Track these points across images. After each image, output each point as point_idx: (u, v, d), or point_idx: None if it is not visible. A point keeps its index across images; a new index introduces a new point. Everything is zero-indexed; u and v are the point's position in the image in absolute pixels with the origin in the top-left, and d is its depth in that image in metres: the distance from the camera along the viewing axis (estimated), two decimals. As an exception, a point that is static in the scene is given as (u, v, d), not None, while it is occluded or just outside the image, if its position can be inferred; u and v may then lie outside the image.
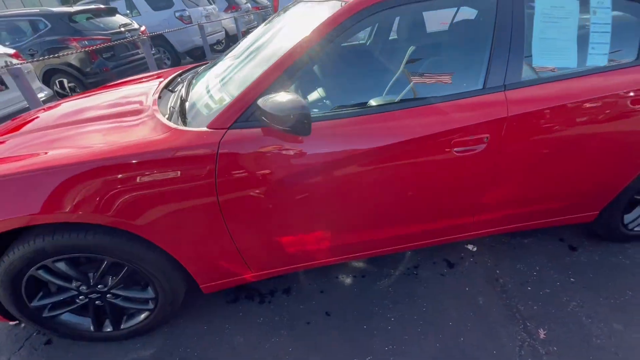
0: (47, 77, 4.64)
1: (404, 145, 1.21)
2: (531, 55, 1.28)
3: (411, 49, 1.53)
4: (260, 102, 1.06)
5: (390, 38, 2.08)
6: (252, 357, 1.42)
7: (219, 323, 1.58)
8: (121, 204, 1.12)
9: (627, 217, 1.76)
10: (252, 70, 1.26)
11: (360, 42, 2.23)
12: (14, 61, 3.21)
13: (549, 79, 1.28)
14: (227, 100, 1.21)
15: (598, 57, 1.32)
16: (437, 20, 1.99)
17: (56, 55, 3.87)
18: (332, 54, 1.33)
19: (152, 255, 1.27)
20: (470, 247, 1.92)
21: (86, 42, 4.43)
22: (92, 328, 1.44)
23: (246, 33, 6.31)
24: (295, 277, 1.80)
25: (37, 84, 3.60)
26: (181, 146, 1.12)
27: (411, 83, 1.37)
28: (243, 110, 1.14)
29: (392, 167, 1.23)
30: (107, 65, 4.66)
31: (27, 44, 4.49)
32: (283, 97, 1.02)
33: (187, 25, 6.32)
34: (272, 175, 1.15)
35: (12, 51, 3.46)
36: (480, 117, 1.22)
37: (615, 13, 1.41)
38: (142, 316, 1.46)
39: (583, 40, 1.31)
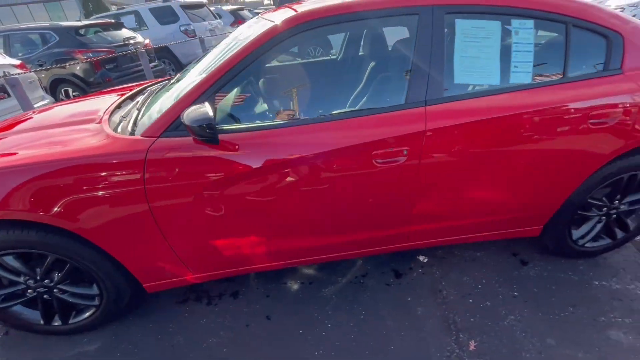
0: (54, 86, 4.93)
1: (327, 156, 1.28)
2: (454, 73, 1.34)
3: (344, 65, 1.61)
4: (183, 113, 1.16)
5: (322, 57, 2.18)
6: (188, 356, 1.48)
7: (164, 322, 1.65)
8: (61, 204, 1.22)
9: (576, 233, 1.76)
10: (189, 84, 1.36)
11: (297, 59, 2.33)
12: (17, 71, 3.45)
13: (472, 95, 1.33)
14: (164, 111, 1.31)
15: (522, 75, 1.37)
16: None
17: (60, 65, 4.14)
18: (259, 71, 1.42)
19: (93, 253, 1.36)
20: (421, 258, 1.94)
21: (90, 54, 4.71)
22: (41, 321, 1.53)
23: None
24: (245, 281, 1.86)
25: (39, 92, 3.84)
26: (112, 152, 1.22)
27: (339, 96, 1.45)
28: (172, 121, 1.24)
29: (314, 177, 1.30)
30: (110, 75, 4.92)
31: (36, 55, 4.81)
32: (196, 109, 1.11)
33: (191, 39, 6.62)
34: (194, 182, 1.24)
35: (17, 62, 3.72)
36: (400, 130, 1.28)
37: (548, 33, 1.47)
38: (89, 312, 1.55)
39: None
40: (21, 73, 3.45)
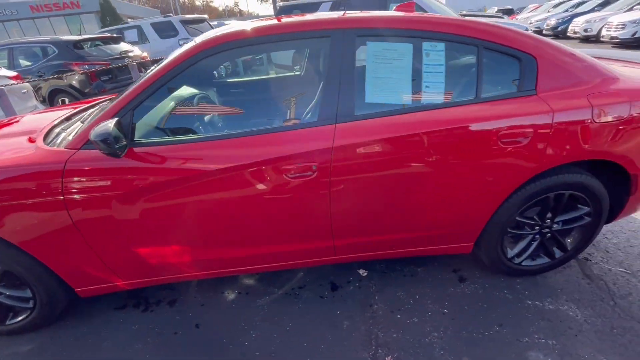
0: (52, 97, 5.17)
1: (237, 169, 1.33)
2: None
3: (265, 84, 1.69)
4: (92, 129, 1.23)
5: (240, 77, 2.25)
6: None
7: (98, 326, 1.70)
8: (-11, 211, 1.31)
9: (510, 252, 1.75)
10: (115, 99, 1.45)
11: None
12: (10, 82, 3.66)
13: (382, 114, 1.37)
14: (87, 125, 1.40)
15: (433, 95, 1.41)
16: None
17: (58, 76, 4.35)
18: (174, 89, 1.50)
19: (23, 258, 1.44)
20: (361, 271, 1.95)
21: (87, 66, 4.95)
22: (-20, 321, 1.60)
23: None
24: (185, 289, 1.90)
25: (32, 102, 4.05)
26: (34, 162, 1.30)
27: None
28: (91, 134, 1.32)
29: (226, 190, 1.35)
30: (105, 87, 5.15)
31: (37, 66, 5.08)
32: (102, 125, 1.19)
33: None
34: (108, 193, 1.31)
35: (13, 73, 3.94)
36: (308, 147, 1.33)
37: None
38: (24, 314, 1.61)
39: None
40: (14, 83, 3.65)
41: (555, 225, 1.69)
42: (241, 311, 1.74)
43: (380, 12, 1.48)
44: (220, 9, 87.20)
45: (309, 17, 1.45)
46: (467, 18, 1.61)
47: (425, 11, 5.38)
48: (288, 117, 1.54)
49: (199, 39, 1.42)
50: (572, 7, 14.26)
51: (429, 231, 1.59)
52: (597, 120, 1.39)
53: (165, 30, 7.21)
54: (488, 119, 1.37)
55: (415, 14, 1.52)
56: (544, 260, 1.80)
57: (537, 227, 1.68)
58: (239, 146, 1.35)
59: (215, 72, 2.07)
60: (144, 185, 1.33)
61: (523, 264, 1.78)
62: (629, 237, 2.11)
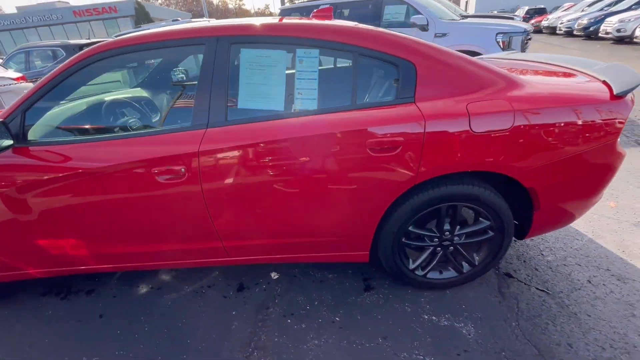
0: (61, 96, 5.60)
1: (116, 168, 1.41)
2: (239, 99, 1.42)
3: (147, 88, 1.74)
4: None
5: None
6: (13, 341, 1.65)
7: (17, 310, 1.85)
8: None
9: (412, 263, 1.70)
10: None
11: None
12: (13, 82, 4.02)
13: (253, 120, 1.39)
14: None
15: (307, 101, 1.40)
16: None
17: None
18: (68, 91, 1.59)
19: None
20: (273, 274, 1.97)
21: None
22: None
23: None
24: (107, 280, 2.01)
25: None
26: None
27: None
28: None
29: (102, 189, 1.43)
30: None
31: (48, 68, 5.52)
32: None
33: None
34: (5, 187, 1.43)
35: (17, 75, 4.33)
36: (177, 150, 1.38)
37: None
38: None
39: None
40: (15, 84, 4.00)
41: (456, 239, 1.62)
42: (146, 306, 1.82)
43: (257, 19, 1.50)
44: (252, 11, 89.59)
45: (187, 25, 1.49)
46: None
47: (420, 13, 5.25)
48: (173, 121, 1.59)
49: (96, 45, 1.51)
50: (608, 5, 13.27)
51: (314, 237, 1.58)
52: (475, 131, 1.33)
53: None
54: (358, 126, 1.34)
55: (291, 20, 1.52)
56: (451, 274, 1.73)
57: (437, 240, 1.62)
58: (120, 147, 1.42)
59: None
60: (35, 181, 1.44)
61: (429, 276, 1.73)
62: (567, 256, 1.97)
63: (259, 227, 1.54)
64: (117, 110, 1.88)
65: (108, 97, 1.90)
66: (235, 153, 1.37)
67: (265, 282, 1.92)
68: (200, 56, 1.42)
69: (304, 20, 1.51)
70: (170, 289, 1.92)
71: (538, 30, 17.37)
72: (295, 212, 1.49)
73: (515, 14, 19.68)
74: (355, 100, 1.39)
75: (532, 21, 18.13)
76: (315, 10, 1.89)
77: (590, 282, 1.78)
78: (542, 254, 2.00)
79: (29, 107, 1.45)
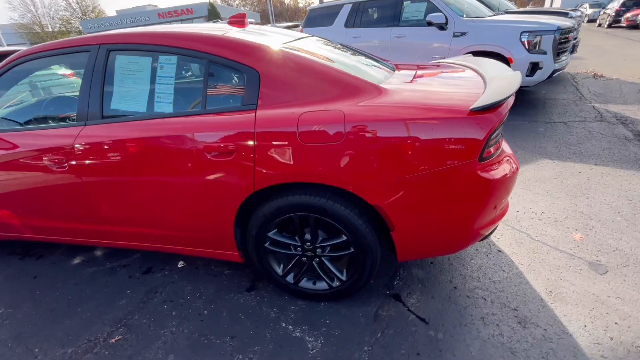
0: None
1: (23, 154, 1.68)
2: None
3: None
4: None
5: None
6: (-32, 287, 2.07)
7: (-14, 263, 2.30)
8: None
9: (279, 269, 1.69)
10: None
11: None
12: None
13: (118, 120, 1.54)
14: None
15: (164, 104, 1.50)
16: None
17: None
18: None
19: None
20: (180, 263, 2.12)
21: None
22: None
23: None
24: (58, 249, 2.37)
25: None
26: None
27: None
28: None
29: (17, 170, 1.71)
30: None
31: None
32: None
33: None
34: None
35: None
36: (57, 143, 1.59)
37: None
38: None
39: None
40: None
41: (319, 250, 1.57)
42: (70, 274, 2.11)
43: (133, 29, 1.62)
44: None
45: (83, 36, 1.69)
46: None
47: (439, 10, 4.90)
48: (71, 117, 1.81)
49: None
50: None
51: (180, 232, 1.68)
52: (303, 141, 1.29)
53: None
54: (199, 130, 1.40)
55: (159, 28, 1.62)
56: (323, 286, 1.68)
57: (300, 249, 1.59)
58: (29, 137, 1.69)
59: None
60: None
61: (301, 285, 1.70)
62: (477, 287, 1.75)
63: (130, 215, 1.70)
64: (41, 106, 2.21)
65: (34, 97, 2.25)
66: (103, 148, 1.54)
67: (169, 269, 2.08)
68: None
69: (168, 28, 1.60)
70: (95, 264, 2.19)
71: (634, 26, 14.71)
72: (154, 205, 1.61)
73: (580, 7, 17.16)
74: (206, 105, 1.45)
75: (628, 14, 15.38)
76: (230, 17, 1.96)
77: (483, 319, 1.57)
78: (451, 281, 1.81)
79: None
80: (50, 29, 31.58)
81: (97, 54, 1.57)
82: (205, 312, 1.74)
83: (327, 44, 2.04)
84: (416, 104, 1.28)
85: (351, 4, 6.20)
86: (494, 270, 1.86)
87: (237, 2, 68.97)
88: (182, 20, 28.78)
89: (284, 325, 1.63)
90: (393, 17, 5.53)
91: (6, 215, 1.96)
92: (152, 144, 1.46)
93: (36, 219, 1.90)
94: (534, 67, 4.39)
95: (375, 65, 1.85)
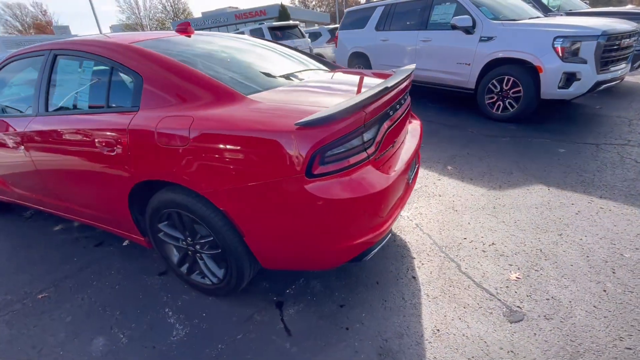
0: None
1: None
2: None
3: None
4: None
5: None
6: (-20, 236, 2.63)
7: None
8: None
9: (174, 259, 1.82)
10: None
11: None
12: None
13: (55, 113, 1.82)
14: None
15: (80, 102, 1.74)
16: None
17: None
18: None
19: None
20: (125, 242, 2.39)
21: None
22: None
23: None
24: (42, 215, 2.85)
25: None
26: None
27: None
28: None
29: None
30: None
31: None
32: None
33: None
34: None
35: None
36: (17, 129, 1.95)
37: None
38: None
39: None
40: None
41: (198, 247, 1.66)
42: (45, 238, 2.54)
43: (79, 37, 1.88)
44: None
45: (44, 42, 2.01)
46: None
47: (468, 13, 4.50)
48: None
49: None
50: None
51: (91, 210, 1.93)
52: (159, 143, 1.39)
53: (257, 36, 8.66)
54: (91, 125, 1.61)
55: (88, 37, 1.83)
56: (208, 281, 1.76)
57: (184, 242, 1.70)
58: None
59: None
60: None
61: (192, 277, 1.81)
62: (371, 312, 1.66)
63: (57, 189, 2.01)
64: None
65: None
66: (42, 136, 1.85)
67: (115, 246, 2.36)
68: None
69: (98, 37, 1.81)
70: (68, 232, 2.59)
71: None
72: (71, 184, 1.88)
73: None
74: (109, 105, 1.64)
75: None
76: (178, 25, 2.15)
77: (345, 342, 1.50)
78: (342, 300, 1.74)
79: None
80: (149, 29, 36.65)
81: (47, 58, 1.89)
82: (117, 287, 1.96)
83: (258, 48, 2.13)
84: (256, 116, 1.29)
85: (383, 7, 6.04)
86: (393, 297, 1.73)
87: (313, 2, 71.07)
88: (256, 21, 30.78)
89: (166, 310, 1.76)
90: (421, 20, 5.25)
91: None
92: (67, 135, 1.72)
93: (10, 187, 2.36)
94: (570, 78, 3.79)
95: (284, 74, 1.87)
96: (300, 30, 9.09)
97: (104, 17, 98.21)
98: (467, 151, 3.52)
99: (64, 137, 1.75)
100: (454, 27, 4.57)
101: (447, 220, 2.34)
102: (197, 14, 38.12)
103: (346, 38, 6.91)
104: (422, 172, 3.13)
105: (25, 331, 1.70)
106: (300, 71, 2.01)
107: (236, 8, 37.13)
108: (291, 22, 9.09)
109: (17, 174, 2.21)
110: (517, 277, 1.79)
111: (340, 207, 1.27)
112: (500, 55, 4.17)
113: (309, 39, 9.54)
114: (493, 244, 2.07)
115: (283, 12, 29.15)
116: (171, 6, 37.14)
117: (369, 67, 6.45)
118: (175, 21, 35.59)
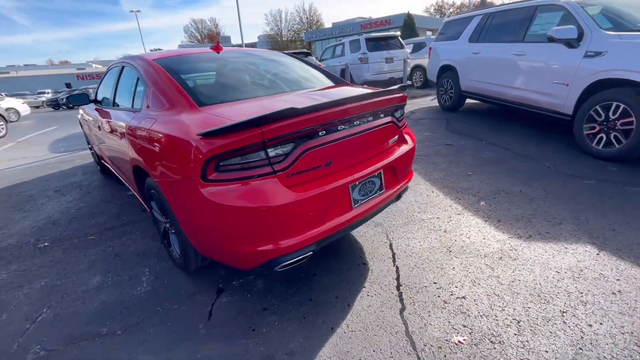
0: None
1: (101, 121, 2.96)
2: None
3: None
4: None
5: None
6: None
7: (107, 180, 3.97)
8: None
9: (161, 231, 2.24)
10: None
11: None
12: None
13: (112, 108, 2.50)
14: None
15: (122, 102, 2.32)
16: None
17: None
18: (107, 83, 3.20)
19: None
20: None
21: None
22: None
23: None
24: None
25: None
26: None
27: None
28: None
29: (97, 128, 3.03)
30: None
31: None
32: None
33: (361, 64, 8.21)
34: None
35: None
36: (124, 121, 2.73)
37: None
38: None
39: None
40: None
41: (167, 225, 2.02)
42: (120, 197, 3.40)
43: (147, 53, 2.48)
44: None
45: (124, 56, 2.70)
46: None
47: (575, 20, 3.67)
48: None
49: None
50: None
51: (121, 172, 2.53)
52: (132, 137, 1.80)
53: (355, 46, 8.85)
54: (119, 120, 2.16)
55: (135, 54, 2.38)
56: (175, 255, 2.10)
57: (163, 219, 2.08)
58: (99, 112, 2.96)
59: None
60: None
61: (170, 250, 2.19)
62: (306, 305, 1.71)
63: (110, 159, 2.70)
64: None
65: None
66: (107, 122, 2.56)
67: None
68: None
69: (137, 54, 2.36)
70: (134, 197, 3.41)
71: None
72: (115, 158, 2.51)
73: None
74: (135, 105, 2.17)
75: None
76: (212, 45, 2.59)
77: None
78: (264, 307, 1.82)
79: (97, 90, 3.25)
80: (286, 39, 41.88)
81: (120, 68, 2.59)
82: (132, 245, 2.52)
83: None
84: (187, 122, 1.53)
85: (481, 16, 5.43)
86: (315, 317, 1.71)
87: (450, 10, 67.19)
88: (380, 31, 31.27)
89: (146, 270, 2.19)
90: (519, 31, 4.54)
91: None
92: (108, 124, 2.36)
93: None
94: None
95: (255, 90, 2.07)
96: (399, 41, 8.92)
97: (255, 29, 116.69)
98: (520, 189, 2.94)
99: (112, 125, 2.40)
100: (550, 40, 3.79)
101: (431, 260, 2.08)
102: (328, 24, 41.35)
103: (439, 50, 6.49)
104: (444, 202, 2.80)
105: (68, 258, 2.41)
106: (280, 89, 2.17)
107: (364, 18, 38.43)
108: (391, 33, 9.04)
109: (102, 147, 3.08)
110: (459, 342, 1.51)
111: (230, 212, 1.39)
112: (605, 76, 3.27)
113: (408, 50, 9.26)
114: (463, 298, 1.76)
115: (408, 22, 28.66)
116: (307, 18, 41.54)
117: (457, 82, 5.89)
118: (307, 32, 39.56)
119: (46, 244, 2.63)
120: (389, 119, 1.90)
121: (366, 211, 1.78)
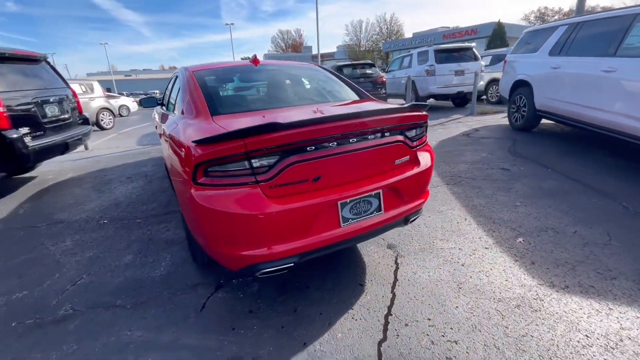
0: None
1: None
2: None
3: None
4: None
5: None
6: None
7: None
8: None
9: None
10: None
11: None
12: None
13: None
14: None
15: (173, 106, 2.65)
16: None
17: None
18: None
19: None
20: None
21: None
22: None
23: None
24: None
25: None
26: None
27: None
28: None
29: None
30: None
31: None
32: None
33: (427, 76, 7.81)
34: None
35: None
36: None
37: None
38: None
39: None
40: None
41: (186, 219, 2.25)
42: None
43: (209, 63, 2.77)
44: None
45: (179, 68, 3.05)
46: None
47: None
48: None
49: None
50: None
51: None
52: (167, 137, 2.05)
53: (423, 58, 8.41)
54: (166, 120, 2.47)
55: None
56: (192, 248, 2.33)
57: (184, 213, 2.33)
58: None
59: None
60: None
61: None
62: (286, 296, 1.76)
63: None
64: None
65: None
66: (164, 125, 2.95)
67: (192, 206, 3.34)
68: None
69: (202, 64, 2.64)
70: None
71: None
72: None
73: None
74: (174, 110, 2.47)
75: None
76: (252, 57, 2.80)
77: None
78: (250, 310, 1.89)
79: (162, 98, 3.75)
80: (364, 49, 42.23)
81: (173, 76, 2.96)
82: (167, 232, 2.85)
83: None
84: (195, 129, 1.71)
85: (566, 26, 4.75)
86: (292, 328, 1.72)
87: (555, 17, 59.96)
88: (465, 41, 29.39)
89: (168, 257, 2.45)
90: (610, 44, 3.86)
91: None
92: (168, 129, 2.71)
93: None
94: None
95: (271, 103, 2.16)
96: (474, 53, 8.25)
97: (336, 39, 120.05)
98: (576, 229, 2.49)
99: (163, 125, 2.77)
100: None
101: (434, 294, 1.91)
102: (408, 34, 40.38)
103: (515, 63, 5.85)
104: (473, 233, 2.53)
105: (115, 235, 2.84)
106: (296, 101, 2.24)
107: (449, 27, 36.57)
108: (465, 44, 8.41)
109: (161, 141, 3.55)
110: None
111: (213, 214, 1.49)
112: None
113: (484, 62, 8.50)
114: (455, 342, 1.58)
115: (498, 31, 26.42)
116: (387, 28, 41.28)
117: (531, 99, 5.23)
118: (385, 42, 39.22)
119: (105, 221, 3.14)
120: (397, 137, 1.82)
121: (358, 231, 1.73)
